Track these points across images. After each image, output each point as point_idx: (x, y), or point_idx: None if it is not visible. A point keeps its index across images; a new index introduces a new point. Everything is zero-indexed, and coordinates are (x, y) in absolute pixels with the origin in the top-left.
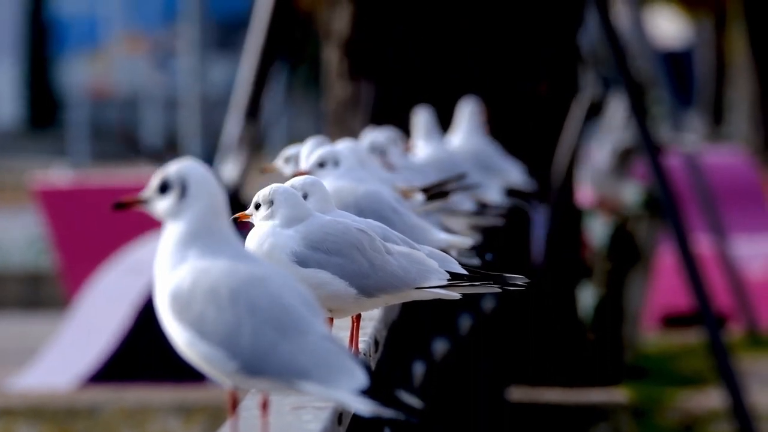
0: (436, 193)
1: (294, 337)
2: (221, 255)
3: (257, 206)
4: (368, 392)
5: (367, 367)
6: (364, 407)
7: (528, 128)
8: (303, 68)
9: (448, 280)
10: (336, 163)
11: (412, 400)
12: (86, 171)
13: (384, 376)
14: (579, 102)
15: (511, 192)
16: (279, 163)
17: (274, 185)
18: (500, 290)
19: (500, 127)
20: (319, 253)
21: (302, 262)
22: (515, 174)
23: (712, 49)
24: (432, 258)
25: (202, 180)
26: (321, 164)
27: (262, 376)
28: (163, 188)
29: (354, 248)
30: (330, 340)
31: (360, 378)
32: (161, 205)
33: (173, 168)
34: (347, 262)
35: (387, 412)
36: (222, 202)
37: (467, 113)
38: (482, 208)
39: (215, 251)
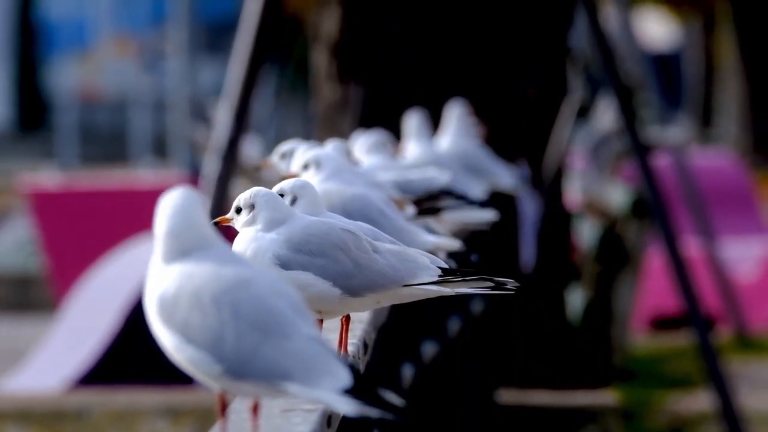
0: (427, 207)
1: (278, 339)
2: (208, 259)
3: (238, 210)
4: (352, 392)
5: (352, 367)
6: (347, 407)
7: (519, 128)
8: (291, 70)
9: (439, 276)
10: (318, 165)
11: (396, 399)
12: (75, 174)
13: (368, 376)
14: (568, 104)
15: (499, 195)
16: (274, 159)
17: (255, 188)
18: (492, 288)
19: (491, 127)
20: (302, 254)
21: (285, 264)
22: (504, 177)
23: (700, 51)
24: None
25: (164, 206)
26: (305, 167)
27: (247, 379)
28: None
29: (337, 248)
30: (315, 341)
31: (343, 378)
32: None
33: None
34: (330, 262)
35: (371, 412)
36: (198, 215)
37: (455, 115)
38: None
39: (203, 256)
